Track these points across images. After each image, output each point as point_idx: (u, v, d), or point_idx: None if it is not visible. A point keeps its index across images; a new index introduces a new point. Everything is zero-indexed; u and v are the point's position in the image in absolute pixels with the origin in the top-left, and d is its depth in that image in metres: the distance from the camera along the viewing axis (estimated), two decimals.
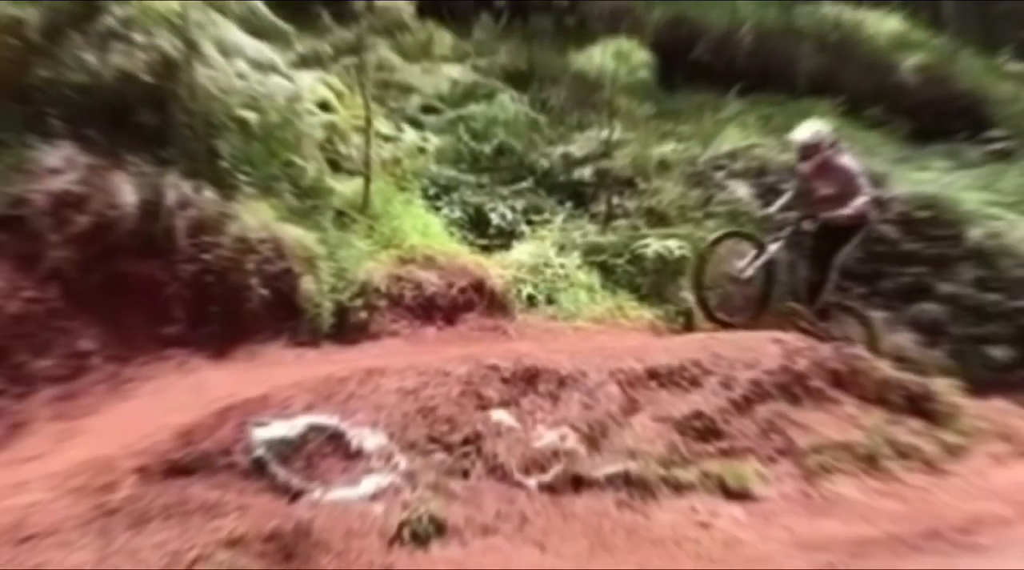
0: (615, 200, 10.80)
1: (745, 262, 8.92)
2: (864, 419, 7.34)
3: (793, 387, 7.32)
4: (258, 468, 5.28)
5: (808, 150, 8.79)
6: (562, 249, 9.75)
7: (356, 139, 9.20)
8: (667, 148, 11.81)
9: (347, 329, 7.68)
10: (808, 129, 8.89)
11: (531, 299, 8.99)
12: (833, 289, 9.09)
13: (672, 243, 9.75)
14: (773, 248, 8.92)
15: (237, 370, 6.74)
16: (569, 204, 10.75)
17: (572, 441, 6.15)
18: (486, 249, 9.50)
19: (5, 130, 7.10)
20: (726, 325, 8.93)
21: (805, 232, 9.03)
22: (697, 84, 14.81)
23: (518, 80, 12.83)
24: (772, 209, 9.36)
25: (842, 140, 9.08)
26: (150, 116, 7.71)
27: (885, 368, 8.07)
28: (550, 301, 9.10)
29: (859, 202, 8.62)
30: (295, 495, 5.24)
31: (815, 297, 8.98)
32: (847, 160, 8.89)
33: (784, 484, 6.58)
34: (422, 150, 10.50)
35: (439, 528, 5.21)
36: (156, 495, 4.99)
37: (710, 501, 6.17)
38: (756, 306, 9.17)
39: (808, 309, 9.02)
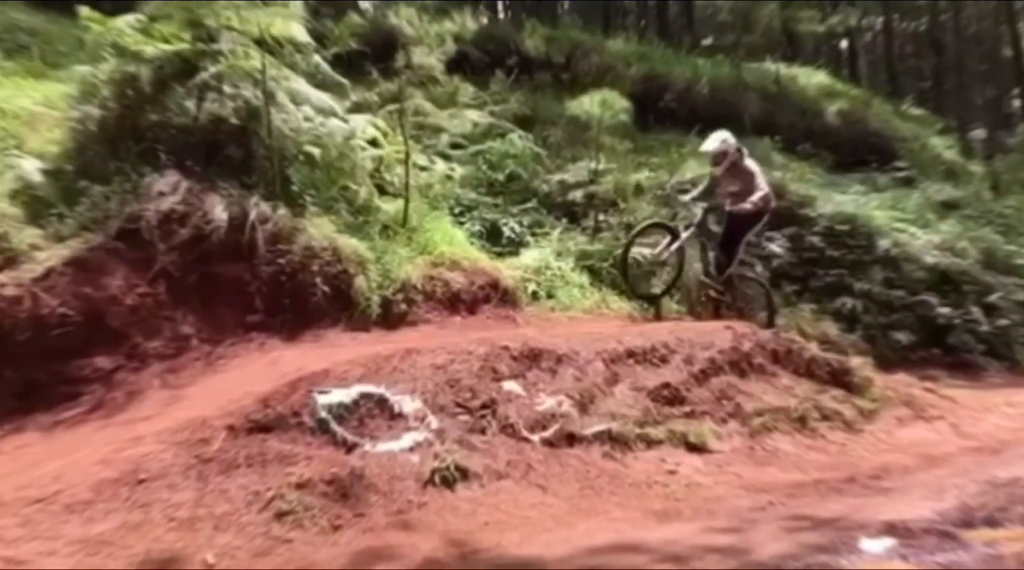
0: (601, 217, 10.79)
1: (662, 247, 8.79)
2: (797, 389, 7.31)
3: (741, 363, 7.29)
4: (321, 426, 5.27)
5: (718, 157, 8.79)
6: (559, 255, 9.75)
7: (398, 169, 9.19)
8: (642, 175, 11.82)
9: (391, 318, 7.67)
10: (717, 139, 8.85)
11: (535, 294, 8.98)
12: (739, 264, 9.10)
13: (646, 251, 9.72)
14: (685, 235, 8.75)
15: (305, 350, 6.74)
16: (565, 220, 10.75)
17: (567, 406, 6.13)
18: (500, 255, 9.50)
19: (124, 162, 7.12)
20: (647, 298, 9.16)
21: (708, 222, 9.07)
22: (665, 125, 14.88)
23: (525, 122, 12.84)
24: (686, 198, 9.27)
25: (743, 147, 9.00)
26: (236, 151, 7.74)
27: (813, 349, 8.04)
28: (550, 296, 9.09)
29: (756, 197, 8.57)
30: (350, 448, 5.23)
31: (723, 271, 8.92)
32: (749, 163, 8.84)
33: (734, 440, 6.55)
34: (450, 178, 10.49)
35: (463, 474, 5.20)
36: (241, 447, 4.99)
37: (675, 453, 6.15)
38: (671, 282, 9.09)
39: (717, 281, 9.01)
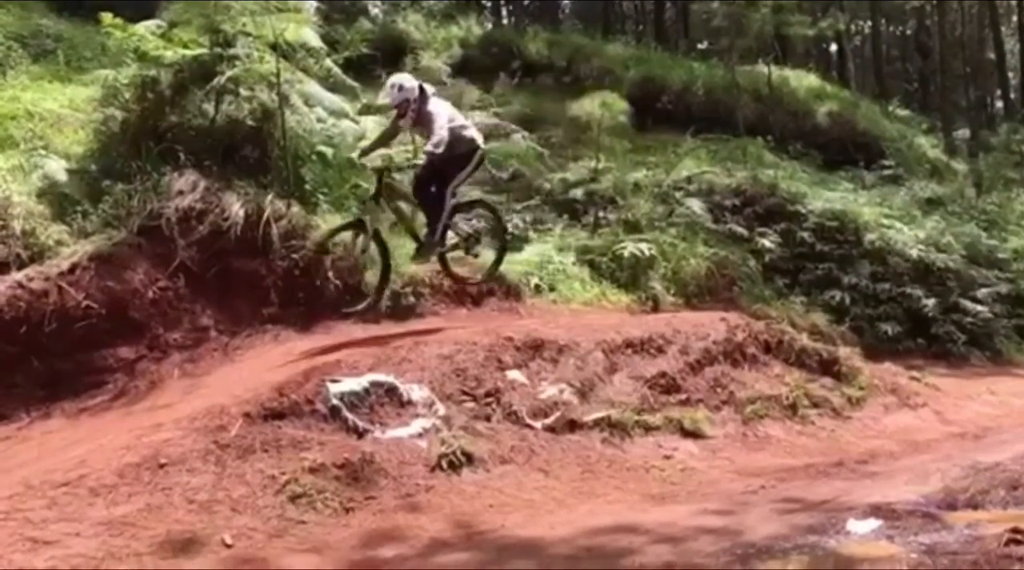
0: (600, 213, 10.77)
1: (357, 249, 6.95)
2: (788, 377, 7.30)
3: (734, 353, 7.28)
4: (334, 413, 5.28)
5: (401, 106, 6.97)
6: (561, 250, 9.73)
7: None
8: (640, 174, 11.81)
9: (400, 310, 7.66)
10: (394, 86, 7.03)
11: (537, 288, 8.96)
12: (451, 215, 7.24)
13: (643, 245, 9.70)
14: (371, 221, 6.84)
15: (318, 340, 6.74)
16: (566, 217, 10.75)
17: (568, 394, 6.14)
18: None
19: (145, 162, 7.13)
20: (352, 314, 7.11)
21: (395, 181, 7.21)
22: (662, 126, 14.89)
23: (528, 123, 12.86)
24: (364, 145, 7.48)
25: (428, 86, 7.20)
26: (252, 151, 7.74)
27: (804, 339, 8.02)
28: (552, 289, 9.07)
29: (435, 139, 6.71)
30: (361, 434, 5.24)
31: (435, 230, 7.09)
32: (434, 105, 6.96)
33: (727, 426, 6.55)
34: None
35: (469, 458, 5.20)
36: (258, 433, 5.00)
37: (671, 439, 6.15)
38: (380, 277, 7.16)
39: (432, 242, 7.15)
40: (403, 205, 7.17)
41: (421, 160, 6.85)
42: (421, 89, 6.98)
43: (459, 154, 7.04)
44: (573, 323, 7.60)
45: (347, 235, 6.96)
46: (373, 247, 6.93)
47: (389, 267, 7.13)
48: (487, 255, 7.89)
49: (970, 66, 24.05)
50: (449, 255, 7.45)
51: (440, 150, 6.71)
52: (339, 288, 7.38)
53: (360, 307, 7.10)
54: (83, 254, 6.49)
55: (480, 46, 15.56)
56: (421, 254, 7.25)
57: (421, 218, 7.17)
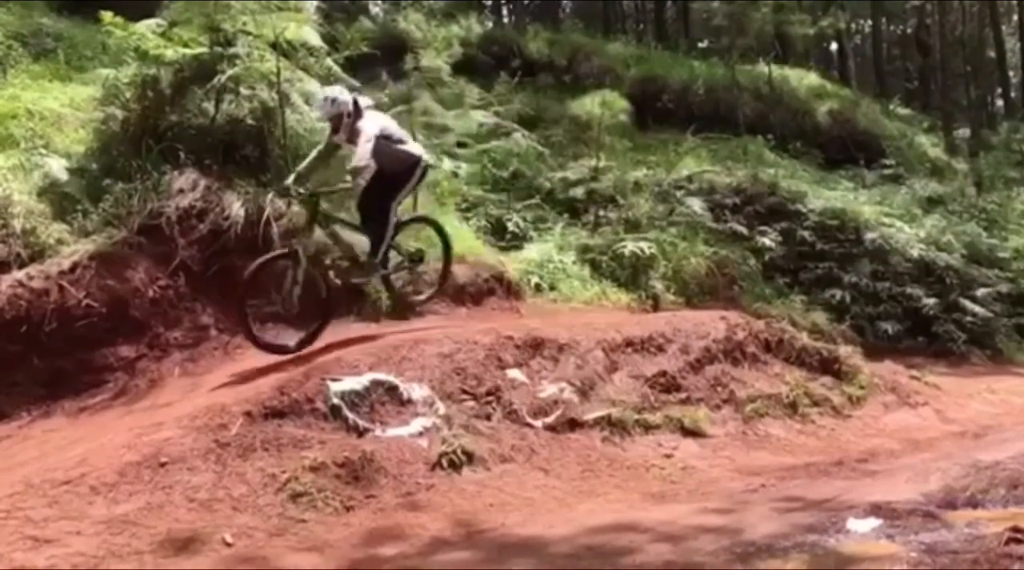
0: (601, 212, 10.78)
1: (288, 282, 6.32)
2: (788, 376, 7.30)
3: (734, 352, 7.28)
4: (334, 412, 5.29)
5: (334, 121, 6.56)
6: (561, 249, 9.74)
7: None
8: (640, 173, 11.82)
9: (400, 309, 7.67)
10: (326, 100, 6.61)
11: (538, 286, 8.97)
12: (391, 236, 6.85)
13: (643, 244, 9.71)
14: (304, 250, 6.36)
15: (319, 340, 6.74)
16: (566, 215, 10.76)
17: (568, 392, 6.14)
18: (504, 249, 9.48)
19: (145, 161, 7.13)
20: (278, 350, 6.35)
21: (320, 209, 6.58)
22: (663, 125, 14.91)
23: (528, 122, 12.86)
24: (301, 169, 6.66)
25: (363, 99, 6.77)
26: (253, 150, 7.73)
27: (804, 338, 8.02)
28: (552, 288, 9.08)
29: (354, 159, 6.34)
30: (361, 432, 5.25)
31: (378, 250, 6.73)
32: (364, 120, 6.53)
33: (727, 425, 6.55)
34: (456, 175, 10.48)
35: (469, 457, 5.20)
36: (258, 432, 5.01)
37: (672, 437, 6.15)
38: (321, 311, 6.55)
39: (374, 262, 6.76)
40: (339, 229, 6.78)
41: (348, 182, 6.46)
42: (355, 103, 6.58)
43: (398, 171, 6.65)
44: (573, 322, 7.60)
45: (283, 266, 6.33)
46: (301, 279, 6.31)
47: (331, 306, 6.59)
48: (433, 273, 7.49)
49: (970, 65, 24.00)
50: (393, 276, 7.14)
51: (363, 164, 6.31)
52: (339, 287, 7.36)
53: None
54: (84, 253, 6.49)
55: (480, 45, 15.56)
56: (362, 275, 6.92)
57: (360, 240, 6.81)
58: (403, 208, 7.16)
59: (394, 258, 7.08)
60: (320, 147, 6.78)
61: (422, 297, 7.41)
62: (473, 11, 18.65)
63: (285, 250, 6.41)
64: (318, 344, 6.48)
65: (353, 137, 6.51)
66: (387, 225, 6.73)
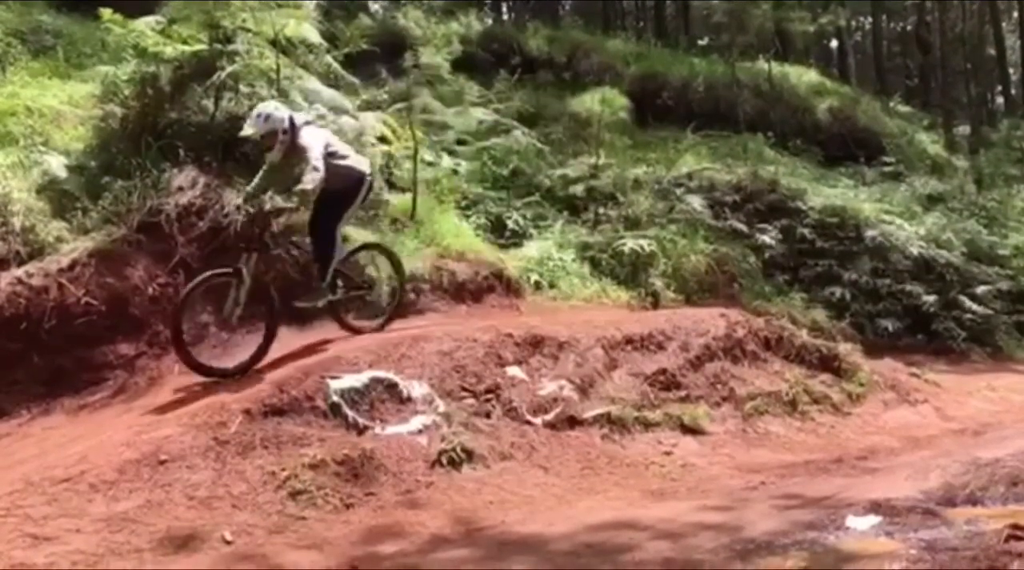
0: (601, 210, 10.78)
1: (230, 303, 6.09)
2: (787, 374, 7.30)
3: (734, 350, 7.29)
4: (334, 410, 5.29)
5: (268, 138, 6.21)
6: (561, 247, 9.75)
7: (406, 164, 9.19)
8: (640, 170, 11.80)
9: (400, 307, 7.66)
10: (259, 117, 6.19)
11: (537, 284, 8.98)
12: (341, 252, 6.66)
13: (643, 242, 9.71)
14: (249, 270, 6.05)
15: (318, 337, 6.73)
16: (566, 213, 10.75)
17: (568, 390, 6.14)
18: (504, 247, 9.49)
19: (145, 158, 7.12)
20: (217, 373, 5.93)
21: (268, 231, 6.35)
22: (663, 122, 14.90)
23: (528, 119, 12.84)
24: (249, 188, 6.44)
25: (303, 114, 6.56)
26: (252, 147, 7.70)
27: (803, 335, 8.02)
28: (551, 285, 9.09)
29: (307, 177, 6.00)
30: (361, 430, 5.25)
31: (325, 273, 6.50)
32: (306, 136, 6.22)
33: (727, 423, 6.56)
34: (456, 172, 10.48)
35: (469, 455, 5.21)
36: (258, 430, 5.01)
37: (671, 435, 6.16)
38: (265, 333, 6.15)
39: (322, 287, 6.52)
40: (290, 250, 6.47)
41: (293, 202, 6.11)
42: (291, 119, 6.22)
43: (342, 188, 6.36)
44: (573, 319, 7.60)
45: (223, 286, 6.07)
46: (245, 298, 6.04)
47: (274, 329, 6.15)
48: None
49: (971, 62, 24.00)
50: (343, 304, 6.82)
51: (311, 187, 5.98)
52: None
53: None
54: (83, 251, 6.48)
55: (480, 42, 15.54)
56: (307, 300, 6.58)
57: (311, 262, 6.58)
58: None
59: (343, 285, 6.78)
60: (265, 167, 6.42)
61: (374, 324, 6.93)
62: (473, 8, 18.62)
63: (228, 269, 6.09)
64: (313, 341, 6.47)
65: (295, 155, 6.20)
66: (333, 246, 6.49)
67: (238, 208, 6.24)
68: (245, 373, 5.86)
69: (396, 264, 7.22)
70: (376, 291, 7.13)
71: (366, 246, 7.28)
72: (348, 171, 6.47)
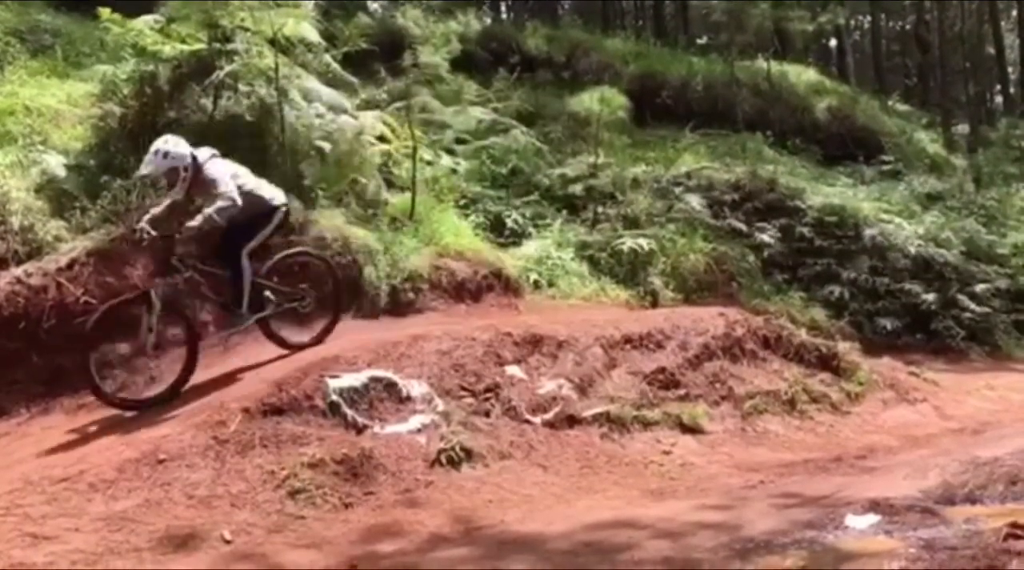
0: (600, 209, 10.77)
1: (143, 329, 5.87)
2: (786, 373, 7.31)
3: (733, 349, 7.29)
4: (333, 409, 5.29)
5: (169, 176, 5.95)
6: (560, 246, 9.74)
7: (405, 164, 9.19)
8: (639, 169, 11.80)
9: (399, 305, 7.66)
10: (157, 154, 5.87)
11: (536, 283, 8.98)
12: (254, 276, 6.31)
13: (642, 241, 9.71)
14: (158, 294, 5.83)
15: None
16: (565, 212, 10.74)
17: (567, 389, 6.14)
18: (503, 245, 9.49)
19: (144, 157, 7.10)
20: (130, 406, 5.78)
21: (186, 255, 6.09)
22: (661, 121, 14.88)
23: (527, 119, 12.83)
24: (153, 212, 6.02)
25: (205, 150, 6.14)
26: (251, 146, 7.72)
27: (802, 334, 8.02)
28: (550, 284, 9.09)
29: (222, 203, 5.81)
30: (360, 429, 5.26)
31: (240, 299, 6.23)
32: (211, 168, 6.00)
33: (726, 421, 6.56)
34: (455, 171, 10.48)
35: (468, 454, 5.21)
36: (257, 429, 5.02)
37: (670, 434, 6.16)
38: (184, 359, 5.94)
39: (240, 312, 6.25)
40: (198, 274, 6.18)
41: (195, 223, 5.78)
42: (193, 156, 5.95)
43: (246, 218, 6.11)
44: (572, 318, 7.60)
45: (134, 314, 5.88)
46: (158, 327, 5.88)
47: (195, 354, 5.92)
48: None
49: (969, 61, 24.00)
50: (273, 318, 6.51)
51: (220, 219, 5.81)
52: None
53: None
54: (82, 250, 6.49)
55: (479, 41, 15.51)
56: (229, 325, 6.43)
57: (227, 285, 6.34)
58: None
59: (272, 299, 6.47)
60: (168, 202, 6.09)
61: (312, 337, 6.64)
62: (472, 7, 18.59)
63: (135, 294, 5.95)
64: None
65: (200, 189, 5.98)
66: (241, 273, 6.21)
67: (134, 231, 5.95)
68: (170, 400, 5.68)
69: (332, 270, 6.95)
70: (307, 302, 6.72)
71: (297, 254, 6.87)
72: (256, 201, 6.22)
